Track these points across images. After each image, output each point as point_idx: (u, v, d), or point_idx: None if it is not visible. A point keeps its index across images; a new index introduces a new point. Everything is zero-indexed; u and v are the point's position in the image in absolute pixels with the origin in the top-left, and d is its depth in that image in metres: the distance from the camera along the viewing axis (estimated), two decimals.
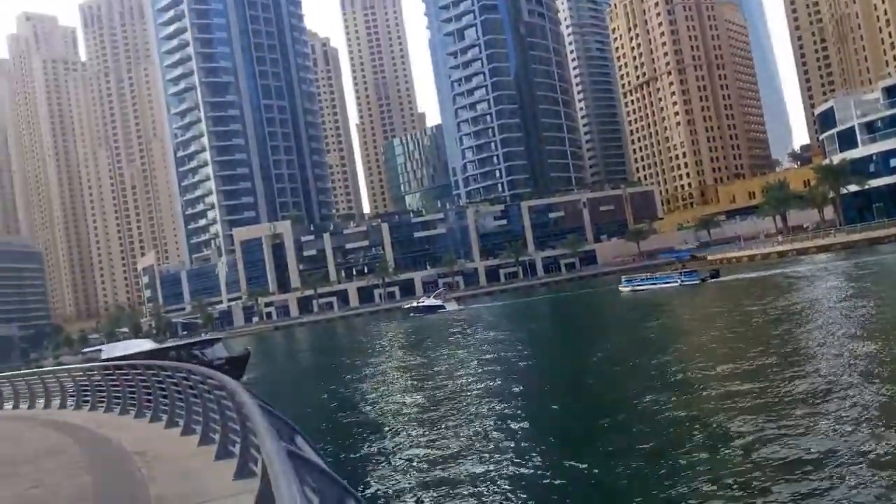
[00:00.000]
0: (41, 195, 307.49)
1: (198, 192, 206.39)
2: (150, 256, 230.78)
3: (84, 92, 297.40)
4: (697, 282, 76.66)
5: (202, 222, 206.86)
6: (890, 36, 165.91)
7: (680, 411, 21.25)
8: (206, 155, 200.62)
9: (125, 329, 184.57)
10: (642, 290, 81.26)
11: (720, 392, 23.05)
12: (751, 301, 52.03)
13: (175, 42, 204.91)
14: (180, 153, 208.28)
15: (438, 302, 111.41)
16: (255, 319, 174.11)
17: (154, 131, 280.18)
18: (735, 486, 14.16)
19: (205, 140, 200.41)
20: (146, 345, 57.15)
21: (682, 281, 78.40)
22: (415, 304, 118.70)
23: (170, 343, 65.93)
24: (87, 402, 20.48)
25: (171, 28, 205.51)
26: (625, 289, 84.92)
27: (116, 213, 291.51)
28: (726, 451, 16.41)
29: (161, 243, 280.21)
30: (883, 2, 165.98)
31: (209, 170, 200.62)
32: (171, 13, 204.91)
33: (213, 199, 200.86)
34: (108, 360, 50.08)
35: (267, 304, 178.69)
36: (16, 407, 25.87)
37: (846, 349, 27.16)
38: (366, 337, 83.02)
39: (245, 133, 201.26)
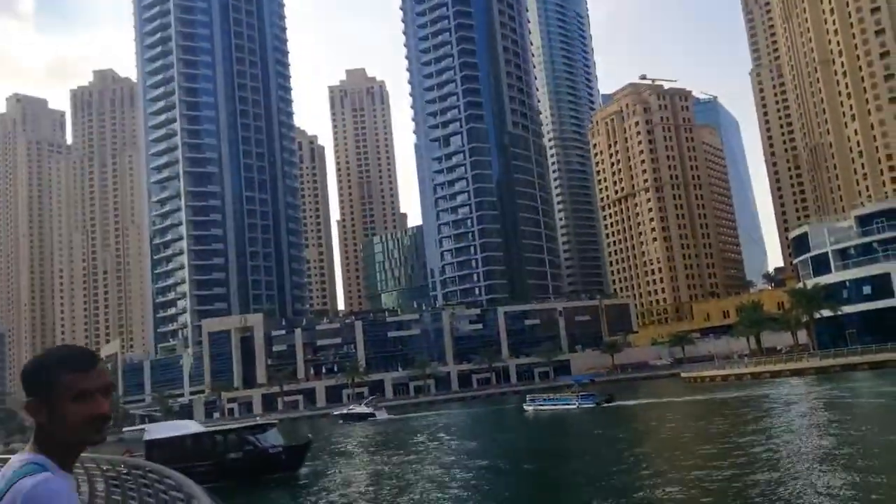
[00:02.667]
0: (10, 275, 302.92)
1: (170, 281, 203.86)
2: (115, 344, 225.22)
3: (66, 174, 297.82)
4: (593, 405, 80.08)
5: (171, 311, 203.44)
6: (862, 167, 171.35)
7: None
8: (183, 243, 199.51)
9: None
10: (544, 410, 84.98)
11: None
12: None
13: (163, 131, 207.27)
14: (156, 240, 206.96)
15: (369, 410, 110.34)
16: (216, 415, 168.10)
17: (132, 217, 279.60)
18: None
19: (182, 229, 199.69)
20: (192, 426, 51.70)
21: (579, 404, 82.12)
22: (345, 411, 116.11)
23: (219, 426, 58.50)
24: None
25: (161, 117, 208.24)
26: (529, 408, 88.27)
27: (85, 298, 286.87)
28: None
29: (127, 331, 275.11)
30: (856, 133, 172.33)
31: (184, 258, 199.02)
32: (161, 103, 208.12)
33: (185, 288, 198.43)
34: (150, 441, 46.77)
35: (230, 400, 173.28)
36: None
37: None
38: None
39: (224, 223, 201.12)
